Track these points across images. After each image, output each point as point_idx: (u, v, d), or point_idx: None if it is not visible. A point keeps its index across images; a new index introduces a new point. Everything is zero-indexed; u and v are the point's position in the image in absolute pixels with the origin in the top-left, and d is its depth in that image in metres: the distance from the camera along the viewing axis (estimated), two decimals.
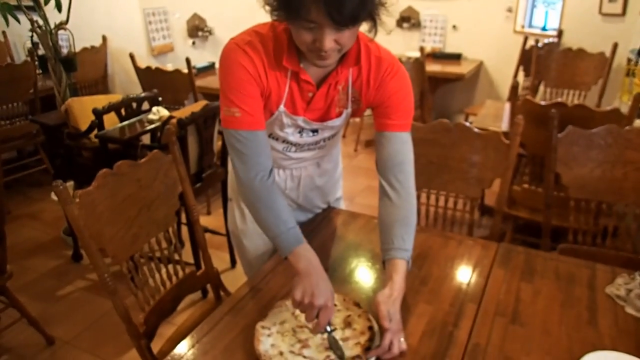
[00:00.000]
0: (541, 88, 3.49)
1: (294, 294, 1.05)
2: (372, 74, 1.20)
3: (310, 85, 1.19)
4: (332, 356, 1.02)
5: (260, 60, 1.12)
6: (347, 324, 1.10)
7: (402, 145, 1.24)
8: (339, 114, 1.28)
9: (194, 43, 4.49)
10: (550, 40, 3.78)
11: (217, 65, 4.39)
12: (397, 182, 1.23)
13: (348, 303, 1.16)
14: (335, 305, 1.13)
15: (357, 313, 1.12)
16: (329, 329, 1.05)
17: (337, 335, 1.07)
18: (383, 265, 1.18)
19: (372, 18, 1.04)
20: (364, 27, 1.07)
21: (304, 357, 1.03)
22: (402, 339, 1.05)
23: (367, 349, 1.02)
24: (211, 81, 3.93)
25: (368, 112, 1.33)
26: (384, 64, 1.20)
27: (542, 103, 2.08)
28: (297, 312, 1.12)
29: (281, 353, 1.03)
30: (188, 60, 3.34)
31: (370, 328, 1.07)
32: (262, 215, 1.17)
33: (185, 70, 3.34)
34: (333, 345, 1.03)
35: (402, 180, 1.23)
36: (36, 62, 3.53)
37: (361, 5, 0.97)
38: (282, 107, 1.21)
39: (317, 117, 1.26)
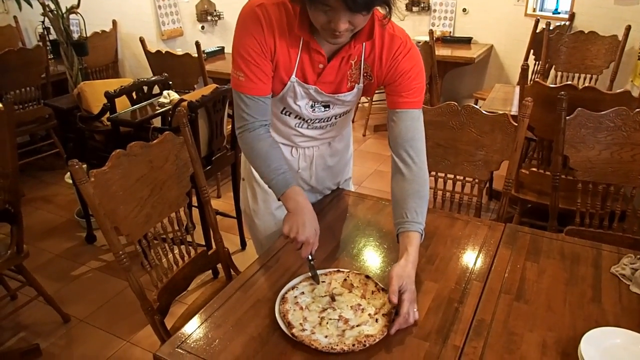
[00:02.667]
0: (552, 72, 3.46)
1: (284, 228, 1.21)
2: (384, 51, 1.22)
3: (321, 56, 1.21)
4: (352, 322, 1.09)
5: (270, 25, 1.16)
6: (364, 300, 1.15)
7: (413, 122, 1.26)
8: (351, 88, 1.30)
9: (203, 27, 4.49)
10: (562, 23, 3.74)
11: (226, 50, 4.41)
12: (409, 158, 1.26)
13: (364, 283, 1.20)
14: (353, 285, 1.19)
15: (371, 289, 1.17)
16: (310, 257, 1.21)
17: (354, 321, 1.10)
18: (397, 239, 1.21)
19: (387, 3, 1.06)
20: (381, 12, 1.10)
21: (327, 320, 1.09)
22: (415, 309, 1.09)
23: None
24: (220, 65, 3.94)
25: (377, 97, 1.35)
26: (396, 41, 1.22)
27: (552, 86, 2.07)
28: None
29: (305, 318, 1.09)
30: (198, 44, 3.34)
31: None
32: (256, 164, 1.30)
33: (195, 55, 3.35)
34: (311, 271, 1.21)
35: (413, 155, 1.26)
36: (48, 47, 3.56)
37: None
38: (293, 77, 1.24)
39: (329, 90, 1.29)
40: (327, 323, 1.08)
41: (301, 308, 1.12)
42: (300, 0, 1.09)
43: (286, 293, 1.16)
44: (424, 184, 1.26)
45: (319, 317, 1.10)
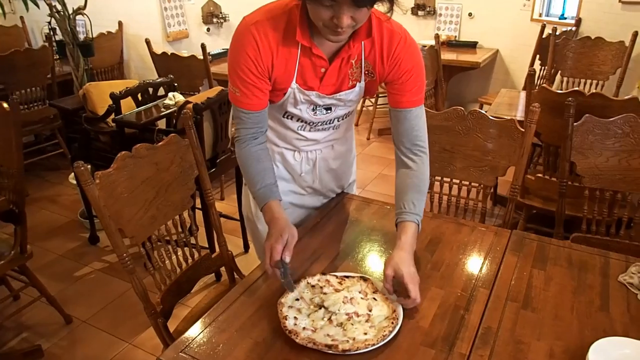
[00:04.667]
0: (558, 77, 3.45)
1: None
2: (385, 47, 1.23)
3: (323, 61, 1.21)
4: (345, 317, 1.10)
5: (266, 43, 1.17)
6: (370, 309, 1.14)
7: (416, 120, 1.30)
8: (353, 86, 1.30)
9: (208, 30, 4.50)
10: (568, 29, 3.73)
11: None
12: (412, 154, 1.31)
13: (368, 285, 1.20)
14: (320, 286, 1.19)
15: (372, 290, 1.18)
16: (282, 263, 1.17)
17: (361, 310, 1.12)
18: (396, 229, 1.25)
19: None
20: (381, 8, 1.10)
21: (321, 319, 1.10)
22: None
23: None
24: (226, 68, 3.93)
25: (381, 101, 1.36)
26: (396, 37, 1.23)
27: (559, 91, 2.06)
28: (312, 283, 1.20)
29: (304, 328, 1.07)
30: (203, 47, 3.35)
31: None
32: (245, 177, 1.35)
33: (201, 57, 3.36)
34: (283, 274, 1.17)
35: (416, 151, 1.32)
36: (54, 47, 3.57)
37: None
38: (294, 84, 1.25)
39: (329, 92, 1.29)
40: (343, 324, 1.08)
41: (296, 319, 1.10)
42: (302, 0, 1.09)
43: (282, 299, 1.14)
44: (424, 179, 1.31)
45: (324, 318, 1.10)
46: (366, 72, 1.28)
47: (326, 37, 1.13)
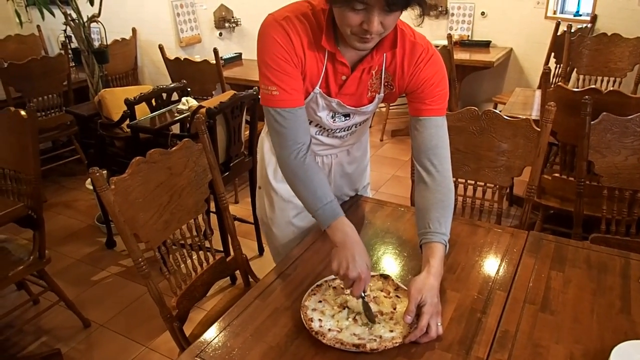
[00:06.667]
0: (573, 75, 3.39)
1: (332, 265, 1.12)
2: (406, 59, 1.20)
3: (345, 68, 1.19)
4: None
5: (297, 37, 1.13)
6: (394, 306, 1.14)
7: (436, 130, 1.23)
8: (371, 99, 1.28)
9: (220, 34, 4.52)
10: (584, 26, 3.67)
11: (244, 57, 4.43)
12: (432, 166, 1.23)
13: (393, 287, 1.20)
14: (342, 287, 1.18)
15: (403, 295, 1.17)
16: (363, 294, 1.10)
17: (385, 308, 1.13)
18: (420, 249, 1.19)
19: (421, 3, 1.03)
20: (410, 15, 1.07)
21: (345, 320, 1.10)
22: (439, 323, 1.05)
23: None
24: (238, 72, 3.97)
25: (395, 102, 1.33)
26: (418, 49, 1.20)
27: (575, 90, 2.03)
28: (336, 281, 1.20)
29: (329, 329, 1.07)
30: (216, 51, 3.37)
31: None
32: (300, 192, 1.22)
33: (213, 61, 3.38)
34: (365, 309, 1.10)
35: (436, 163, 1.23)
36: (69, 55, 3.62)
37: None
38: (317, 89, 1.22)
39: (350, 103, 1.27)
40: (368, 323, 1.09)
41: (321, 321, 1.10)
42: (331, 3, 1.06)
43: (305, 301, 1.15)
44: (447, 193, 1.22)
45: (349, 319, 1.10)
46: (385, 84, 1.25)
47: (352, 45, 1.10)
